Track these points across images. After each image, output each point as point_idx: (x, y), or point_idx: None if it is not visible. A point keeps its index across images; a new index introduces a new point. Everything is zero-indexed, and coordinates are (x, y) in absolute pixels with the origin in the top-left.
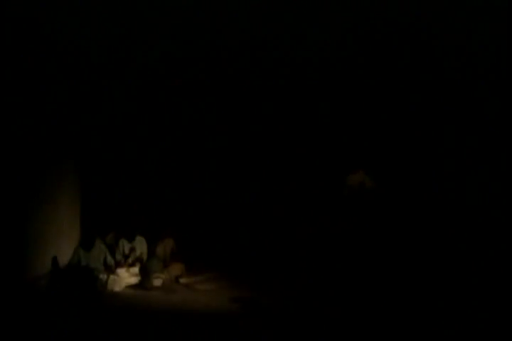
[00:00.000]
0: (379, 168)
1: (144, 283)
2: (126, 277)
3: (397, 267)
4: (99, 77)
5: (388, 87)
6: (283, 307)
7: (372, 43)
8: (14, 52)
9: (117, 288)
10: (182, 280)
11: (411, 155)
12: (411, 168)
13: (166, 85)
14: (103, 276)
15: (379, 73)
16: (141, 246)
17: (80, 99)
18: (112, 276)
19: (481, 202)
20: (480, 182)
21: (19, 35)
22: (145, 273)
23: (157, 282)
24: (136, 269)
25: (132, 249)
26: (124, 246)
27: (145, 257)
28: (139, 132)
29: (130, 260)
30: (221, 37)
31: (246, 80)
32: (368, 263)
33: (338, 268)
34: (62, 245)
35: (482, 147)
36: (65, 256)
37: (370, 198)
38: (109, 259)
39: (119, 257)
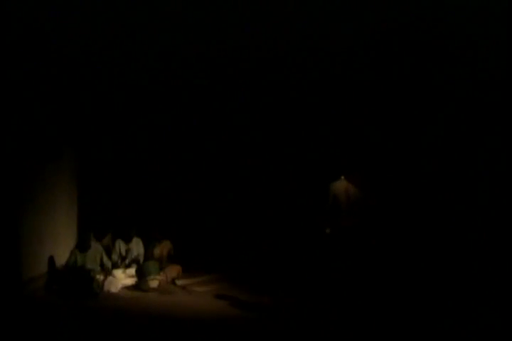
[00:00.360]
0: (361, 172)
1: (140, 285)
2: (123, 278)
3: (395, 270)
4: (97, 75)
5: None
6: (283, 309)
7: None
8: (12, 49)
9: (114, 289)
10: (179, 282)
11: (394, 159)
12: (395, 172)
13: (164, 84)
14: (99, 277)
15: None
16: (137, 247)
17: (79, 98)
18: (108, 277)
19: (477, 208)
20: (476, 187)
21: (17, 31)
22: (141, 275)
23: (153, 283)
24: (132, 270)
25: (129, 250)
26: (121, 247)
27: (142, 258)
28: (137, 133)
29: (127, 261)
30: (225, 38)
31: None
32: (365, 266)
33: (337, 270)
34: (59, 246)
35: (475, 148)
36: (61, 257)
37: (357, 206)
38: (106, 260)
39: (115, 258)
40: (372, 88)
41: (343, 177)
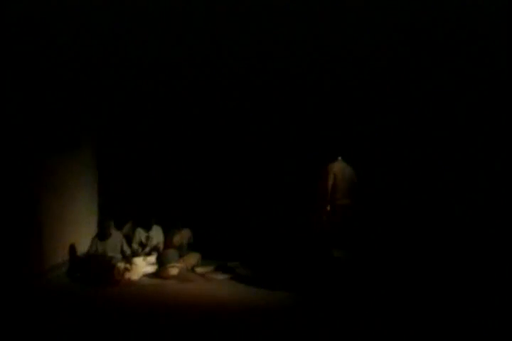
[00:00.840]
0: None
1: (160, 272)
2: (143, 266)
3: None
4: (114, 62)
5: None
6: (302, 298)
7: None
8: (27, 38)
9: (134, 277)
10: (198, 270)
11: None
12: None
13: (186, 78)
14: (120, 265)
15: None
16: (157, 235)
17: (97, 86)
18: (129, 265)
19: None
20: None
21: (24, 24)
22: (161, 263)
23: (173, 271)
24: (152, 258)
25: (149, 239)
26: (141, 235)
27: (161, 246)
28: (157, 120)
29: (147, 249)
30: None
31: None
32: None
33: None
34: (80, 234)
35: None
36: (82, 246)
37: (352, 187)
38: (126, 248)
39: (135, 246)
40: (374, 78)
41: (340, 158)
